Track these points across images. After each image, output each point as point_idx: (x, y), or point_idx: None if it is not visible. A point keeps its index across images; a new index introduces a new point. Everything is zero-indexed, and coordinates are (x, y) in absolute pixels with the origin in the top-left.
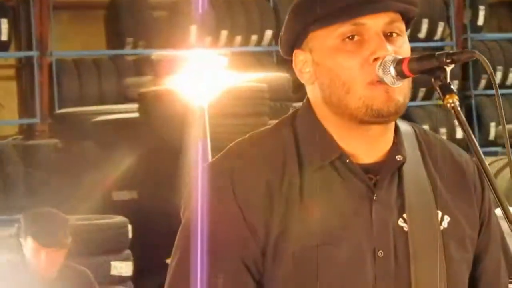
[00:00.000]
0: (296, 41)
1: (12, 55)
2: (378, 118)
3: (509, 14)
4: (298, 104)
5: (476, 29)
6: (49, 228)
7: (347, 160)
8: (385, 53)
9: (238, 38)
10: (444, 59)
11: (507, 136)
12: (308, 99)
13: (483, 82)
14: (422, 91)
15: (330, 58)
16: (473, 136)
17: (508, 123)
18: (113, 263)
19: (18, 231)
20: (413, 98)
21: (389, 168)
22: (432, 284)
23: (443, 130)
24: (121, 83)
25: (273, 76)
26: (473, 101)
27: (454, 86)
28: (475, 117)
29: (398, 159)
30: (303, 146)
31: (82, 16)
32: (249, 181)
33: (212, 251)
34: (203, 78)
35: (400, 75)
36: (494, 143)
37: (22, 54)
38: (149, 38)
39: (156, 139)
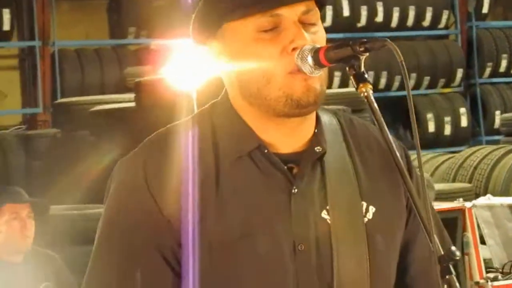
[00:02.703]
0: (210, 31)
1: (14, 45)
2: (297, 108)
3: None
4: None
5: (481, 17)
6: (11, 188)
7: (266, 151)
8: (303, 42)
9: None
10: (358, 48)
11: (417, 137)
12: (226, 91)
13: (488, 71)
14: (426, 80)
15: (248, 49)
16: (385, 127)
17: None
18: None
19: None
20: (417, 86)
21: (308, 159)
22: (355, 276)
23: (447, 119)
24: (122, 73)
25: None
26: (478, 90)
27: (458, 74)
28: (480, 105)
29: (317, 150)
30: (221, 138)
31: (84, 6)
32: (163, 173)
33: (128, 245)
34: (191, 66)
35: (318, 64)
36: (498, 132)
37: (25, 44)
38: (152, 28)
39: (149, 128)
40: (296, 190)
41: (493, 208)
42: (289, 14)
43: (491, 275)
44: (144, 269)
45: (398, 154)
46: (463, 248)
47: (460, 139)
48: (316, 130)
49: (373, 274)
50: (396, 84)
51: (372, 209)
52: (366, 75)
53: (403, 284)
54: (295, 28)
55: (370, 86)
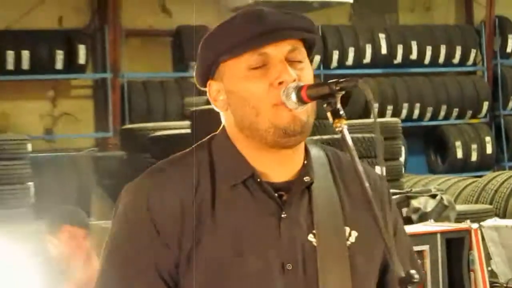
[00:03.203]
0: (209, 72)
1: (89, 77)
2: (285, 137)
3: None
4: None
5: (505, 55)
6: (74, 210)
7: (258, 179)
8: (288, 77)
9: None
10: (334, 87)
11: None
12: (224, 125)
13: (511, 103)
14: (455, 111)
15: (240, 85)
16: (358, 161)
17: None
18: None
19: (47, 227)
20: (447, 117)
21: (297, 188)
22: None
23: (474, 146)
24: (183, 102)
25: None
26: (502, 120)
27: (484, 106)
28: (503, 134)
29: (306, 180)
30: (218, 167)
31: (150, 42)
32: (163, 198)
33: (127, 264)
34: None
35: (300, 100)
36: None
37: (97, 75)
38: None
39: None
40: (285, 215)
41: (500, 229)
42: (275, 52)
43: None
44: (143, 285)
45: (367, 185)
46: (469, 265)
47: (485, 164)
48: (305, 162)
49: None
50: (428, 114)
51: (354, 233)
52: (341, 112)
53: None
54: (280, 65)
55: (345, 122)
